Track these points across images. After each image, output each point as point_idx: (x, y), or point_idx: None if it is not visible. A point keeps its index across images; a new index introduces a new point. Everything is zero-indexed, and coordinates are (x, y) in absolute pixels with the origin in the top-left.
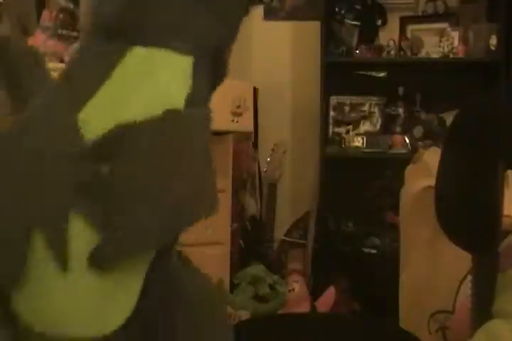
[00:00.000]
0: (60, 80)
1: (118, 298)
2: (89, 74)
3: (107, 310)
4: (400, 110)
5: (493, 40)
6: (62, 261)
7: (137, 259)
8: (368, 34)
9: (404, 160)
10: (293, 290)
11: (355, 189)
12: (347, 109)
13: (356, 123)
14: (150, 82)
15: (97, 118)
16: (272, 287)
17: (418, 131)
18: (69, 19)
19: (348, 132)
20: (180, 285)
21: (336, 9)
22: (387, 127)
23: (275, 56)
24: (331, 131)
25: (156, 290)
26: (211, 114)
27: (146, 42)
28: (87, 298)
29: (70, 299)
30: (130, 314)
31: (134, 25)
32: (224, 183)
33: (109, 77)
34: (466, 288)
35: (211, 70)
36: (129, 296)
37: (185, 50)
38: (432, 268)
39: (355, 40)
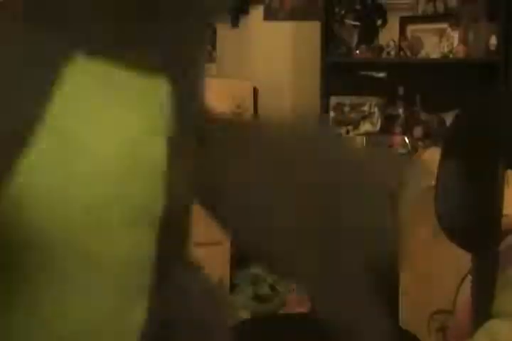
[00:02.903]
0: None
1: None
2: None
3: None
4: (400, 110)
5: (493, 40)
6: None
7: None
8: (368, 34)
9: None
10: (293, 290)
11: None
12: (347, 109)
13: (356, 124)
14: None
15: None
16: (272, 287)
17: (418, 131)
18: None
19: (348, 132)
20: (183, 288)
21: (336, 9)
22: (387, 127)
23: (275, 56)
24: None
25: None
26: None
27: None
28: None
29: None
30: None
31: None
32: None
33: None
34: (466, 288)
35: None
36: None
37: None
38: (431, 268)
39: (355, 41)
